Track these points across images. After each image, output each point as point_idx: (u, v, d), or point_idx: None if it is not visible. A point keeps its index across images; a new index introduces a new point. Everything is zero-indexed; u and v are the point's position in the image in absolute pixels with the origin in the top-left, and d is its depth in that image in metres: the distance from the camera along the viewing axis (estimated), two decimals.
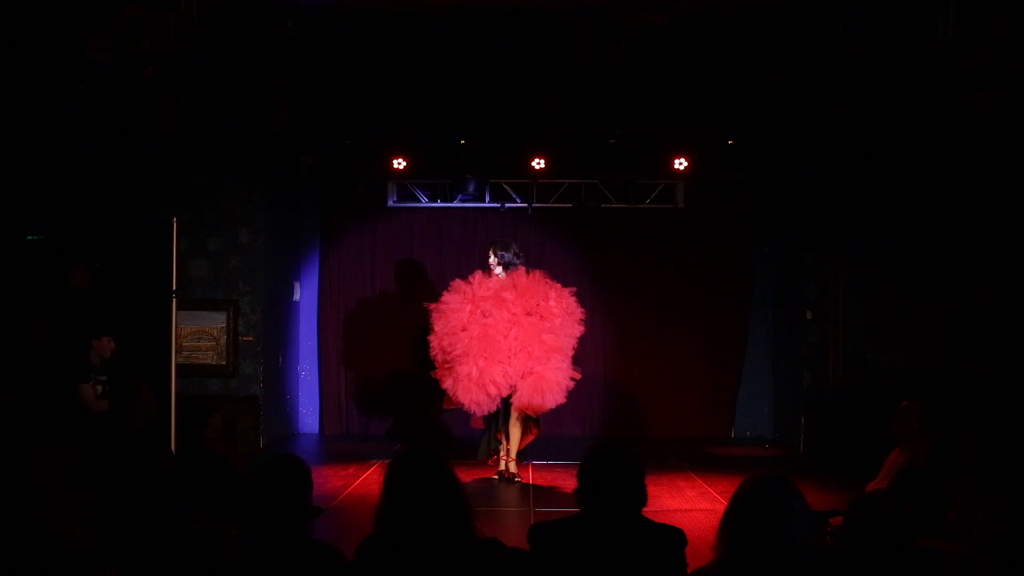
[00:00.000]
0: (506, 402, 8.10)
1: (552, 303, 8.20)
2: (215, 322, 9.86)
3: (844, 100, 7.17)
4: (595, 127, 9.78)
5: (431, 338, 8.33)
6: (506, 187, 10.89)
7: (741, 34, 7.31)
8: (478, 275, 8.37)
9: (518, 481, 8.17)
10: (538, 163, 10.05)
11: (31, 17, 6.20)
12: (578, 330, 8.32)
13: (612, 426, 10.99)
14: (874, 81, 7.21)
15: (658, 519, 3.39)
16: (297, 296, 11.29)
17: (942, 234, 9.87)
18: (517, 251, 8.47)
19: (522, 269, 8.36)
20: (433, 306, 8.40)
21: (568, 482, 8.14)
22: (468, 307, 8.16)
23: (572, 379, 8.13)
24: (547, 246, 11.07)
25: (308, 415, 11.34)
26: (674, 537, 3.33)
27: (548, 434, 9.82)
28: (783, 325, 10.90)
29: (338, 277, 11.36)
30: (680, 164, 10.07)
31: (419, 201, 11.15)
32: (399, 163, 10.10)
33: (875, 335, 10.04)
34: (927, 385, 8.78)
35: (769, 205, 11.07)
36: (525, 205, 10.93)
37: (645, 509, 3.31)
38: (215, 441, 5.92)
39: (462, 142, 10.03)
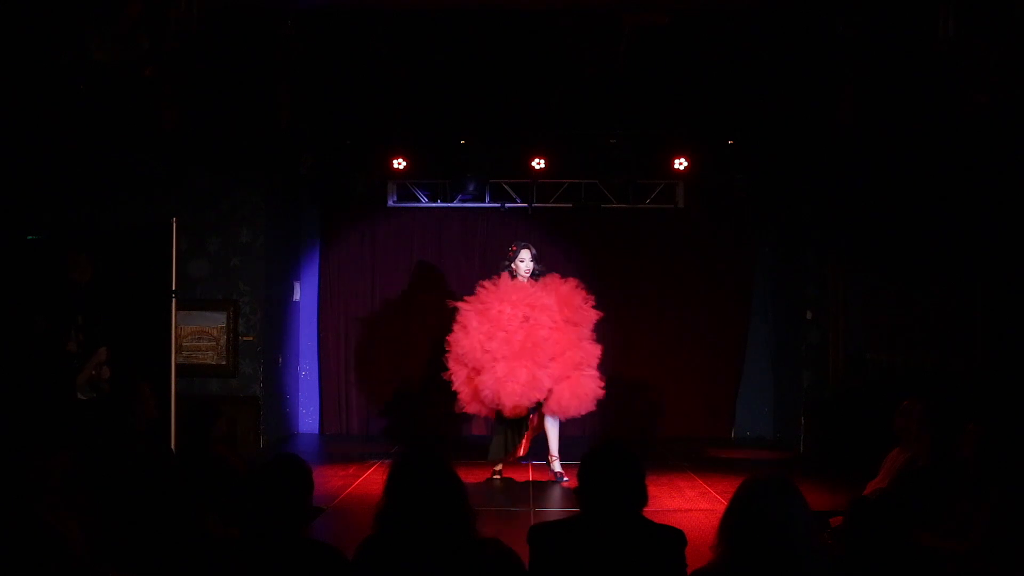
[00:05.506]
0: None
1: (587, 311, 8.24)
2: (215, 322, 9.86)
3: (844, 100, 7.16)
4: (595, 127, 9.77)
5: (459, 337, 8.13)
6: (506, 187, 10.89)
7: (741, 34, 7.31)
8: (505, 277, 8.29)
9: (565, 480, 8.09)
10: (538, 163, 10.05)
11: (32, 17, 6.20)
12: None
13: (612, 426, 10.98)
14: (874, 81, 7.20)
15: (658, 519, 3.39)
16: (297, 296, 11.30)
17: (942, 234, 9.87)
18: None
19: (557, 276, 8.36)
20: (464, 304, 8.29)
21: (568, 482, 8.15)
22: (507, 308, 8.07)
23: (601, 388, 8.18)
24: (547, 246, 11.03)
25: (308, 415, 11.34)
26: (674, 537, 3.33)
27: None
28: (783, 325, 10.90)
29: (338, 277, 11.36)
30: (680, 164, 10.06)
31: (419, 201, 11.15)
32: (399, 163, 10.09)
33: (875, 335, 10.04)
34: (927, 385, 8.78)
35: (769, 205, 11.07)
36: (525, 205, 10.93)
37: (645, 509, 3.31)
38: (217, 442, 5.92)
39: (462, 142, 10.03)
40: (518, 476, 8.52)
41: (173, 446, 6.91)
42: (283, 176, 10.38)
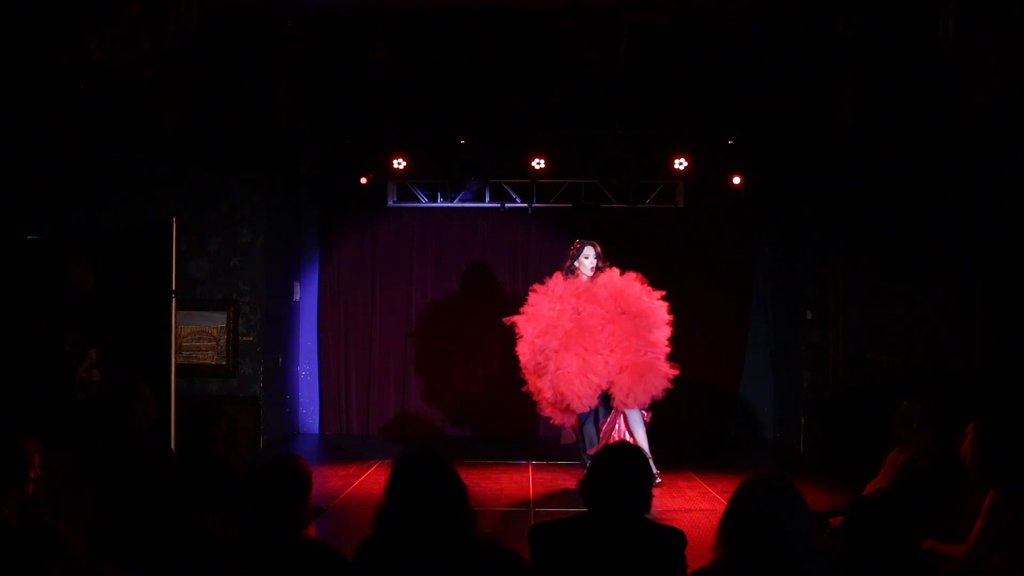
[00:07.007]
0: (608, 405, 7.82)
1: (649, 303, 8.02)
2: (215, 322, 9.86)
3: (844, 100, 7.16)
4: (595, 127, 9.77)
5: (521, 345, 8.00)
6: (506, 187, 10.89)
7: (741, 34, 7.30)
8: (558, 276, 8.19)
9: (659, 482, 7.74)
10: (538, 163, 10.04)
11: (32, 17, 6.20)
12: (667, 331, 8.09)
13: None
14: (874, 81, 7.20)
15: (658, 519, 3.39)
16: (297, 296, 11.29)
17: (942, 234, 9.87)
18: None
19: (615, 270, 8.18)
20: (517, 316, 8.10)
21: (568, 482, 8.15)
22: (557, 306, 7.95)
23: (673, 370, 7.88)
24: (547, 246, 11.05)
25: (308, 415, 11.34)
26: (674, 538, 3.33)
27: (548, 434, 9.83)
28: (783, 325, 10.90)
29: (338, 277, 11.35)
30: (680, 164, 10.06)
31: (419, 201, 11.15)
32: (399, 163, 10.09)
33: (875, 335, 10.04)
34: (927, 385, 8.78)
35: (769, 205, 11.07)
36: (525, 205, 10.94)
37: None
38: (217, 442, 5.93)
39: (462, 142, 10.02)
40: (518, 476, 8.52)
41: (173, 446, 6.92)
42: (283, 176, 10.38)
